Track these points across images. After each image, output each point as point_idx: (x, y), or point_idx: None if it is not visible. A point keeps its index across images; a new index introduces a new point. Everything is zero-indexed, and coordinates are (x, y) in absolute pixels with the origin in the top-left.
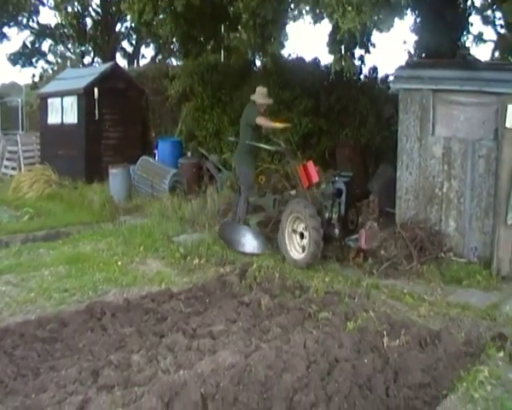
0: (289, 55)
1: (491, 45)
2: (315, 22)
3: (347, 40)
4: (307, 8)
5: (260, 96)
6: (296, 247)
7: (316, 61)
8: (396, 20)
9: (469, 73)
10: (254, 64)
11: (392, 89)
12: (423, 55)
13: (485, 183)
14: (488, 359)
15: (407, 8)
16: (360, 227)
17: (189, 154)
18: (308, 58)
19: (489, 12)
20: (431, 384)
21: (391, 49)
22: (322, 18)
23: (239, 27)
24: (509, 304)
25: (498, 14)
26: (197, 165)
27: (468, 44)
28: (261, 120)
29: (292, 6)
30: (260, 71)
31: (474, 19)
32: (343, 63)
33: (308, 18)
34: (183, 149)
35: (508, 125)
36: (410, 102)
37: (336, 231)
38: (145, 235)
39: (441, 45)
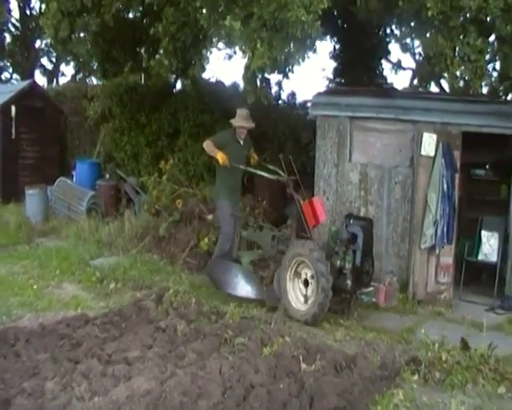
0: (209, 78)
1: (409, 73)
2: (229, 57)
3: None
4: (221, 41)
5: (239, 118)
6: (298, 296)
7: (235, 85)
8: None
9: (386, 101)
10: (174, 86)
11: (311, 115)
12: (342, 81)
13: (401, 208)
14: (403, 382)
15: (321, 40)
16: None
17: (107, 176)
18: (228, 82)
19: (408, 40)
20: (346, 409)
21: (310, 74)
22: (235, 52)
23: (160, 50)
24: (423, 327)
25: (417, 43)
26: (115, 187)
27: (386, 72)
28: (204, 144)
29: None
30: (180, 93)
31: (394, 47)
32: (261, 97)
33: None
34: (101, 171)
35: (423, 152)
36: (328, 128)
37: (348, 282)
38: (61, 258)
39: (359, 73)
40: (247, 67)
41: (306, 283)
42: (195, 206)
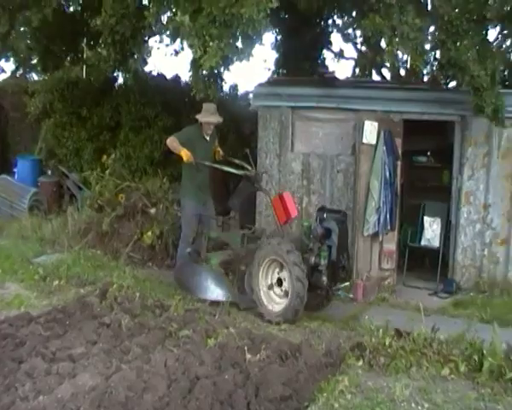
0: (150, 71)
1: (352, 62)
2: (176, 53)
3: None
4: (167, 33)
5: (205, 113)
6: (273, 297)
7: (176, 78)
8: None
9: (327, 91)
10: (116, 80)
11: (253, 106)
12: (283, 72)
13: (344, 197)
14: (348, 368)
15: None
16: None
17: (49, 172)
18: (169, 75)
19: (350, 30)
20: (292, 397)
21: (253, 65)
22: (183, 49)
23: (100, 43)
24: (368, 314)
25: (358, 33)
26: (57, 183)
27: (329, 62)
28: (168, 141)
29: (151, 27)
30: (122, 87)
31: (336, 37)
32: (208, 92)
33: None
34: (43, 168)
35: (365, 140)
36: (270, 118)
37: (324, 279)
38: (3, 257)
39: (301, 63)
40: (196, 64)
41: (280, 282)
42: (138, 200)
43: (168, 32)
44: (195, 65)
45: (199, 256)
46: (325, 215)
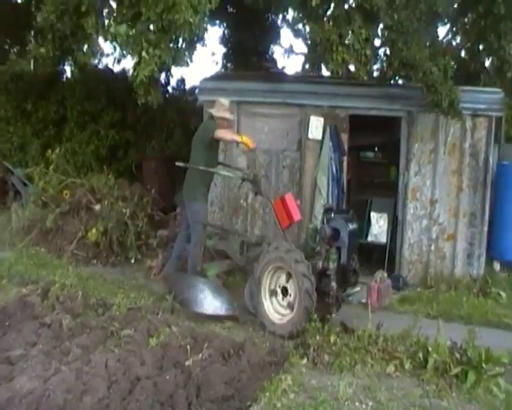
0: (96, 65)
1: (302, 58)
2: (118, 61)
3: None
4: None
5: (219, 108)
6: (277, 307)
7: (123, 72)
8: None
9: (273, 86)
10: (63, 74)
11: (199, 101)
12: (231, 66)
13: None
14: (292, 367)
15: (212, 25)
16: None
17: None
18: (116, 69)
19: (300, 25)
20: (234, 397)
21: (201, 59)
22: (124, 56)
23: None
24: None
25: (308, 29)
26: (1, 179)
27: (278, 57)
28: (221, 133)
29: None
30: (67, 81)
31: (286, 32)
32: (149, 98)
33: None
34: None
35: (310, 136)
36: None
37: (333, 284)
38: None
39: (249, 57)
40: (134, 74)
41: (284, 291)
42: (83, 196)
43: (108, 42)
44: (135, 75)
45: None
46: (332, 215)
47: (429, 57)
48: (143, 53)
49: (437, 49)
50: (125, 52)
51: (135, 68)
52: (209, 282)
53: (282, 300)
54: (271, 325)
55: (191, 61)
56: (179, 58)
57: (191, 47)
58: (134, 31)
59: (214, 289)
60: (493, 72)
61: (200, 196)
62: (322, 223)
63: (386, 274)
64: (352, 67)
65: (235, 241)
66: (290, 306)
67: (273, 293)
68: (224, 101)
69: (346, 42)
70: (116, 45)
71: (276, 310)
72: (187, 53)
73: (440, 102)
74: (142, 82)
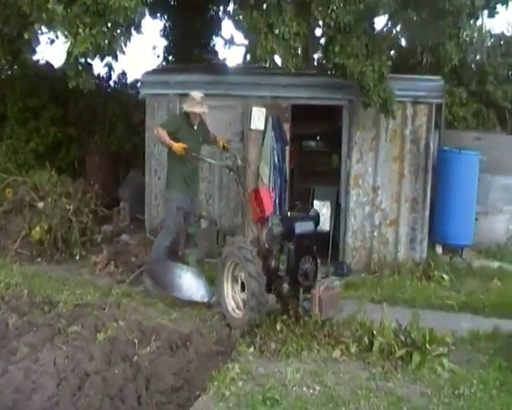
0: (38, 60)
1: (243, 49)
2: (52, 42)
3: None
4: (43, 27)
5: (190, 103)
6: (238, 301)
7: (64, 68)
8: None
9: (215, 77)
10: (3, 70)
11: (141, 94)
12: (173, 59)
13: (233, 183)
14: (239, 355)
15: (153, 18)
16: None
17: None
18: (57, 64)
19: (241, 17)
20: (183, 387)
21: (143, 53)
22: (57, 37)
23: None
24: None
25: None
26: None
27: (220, 48)
28: (158, 133)
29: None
30: (7, 77)
31: (227, 23)
32: (80, 80)
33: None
34: None
35: (253, 126)
36: (157, 107)
37: (284, 285)
38: None
39: (191, 50)
40: (68, 53)
41: (243, 287)
42: (26, 194)
43: (42, 22)
44: (69, 54)
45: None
46: (289, 213)
47: (366, 56)
48: (80, 30)
49: (374, 47)
50: (59, 33)
51: (69, 48)
52: (188, 268)
53: (241, 292)
54: (231, 320)
55: (126, 46)
56: (114, 42)
57: (127, 33)
58: (70, 12)
59: (193, 275)
60: (431, 66)
61: (175, 187)
62: (279, 222)
63: (337, 282)
64: (277, 58)
65: (213, 230)
66: (244, 302)
67: (234, 280)
68: (196, 94)
69: (276, 32)
70: (50, 26)
71: (234, 299)
72: (122, 38)
73: (372, 104)
74: (76, 60)
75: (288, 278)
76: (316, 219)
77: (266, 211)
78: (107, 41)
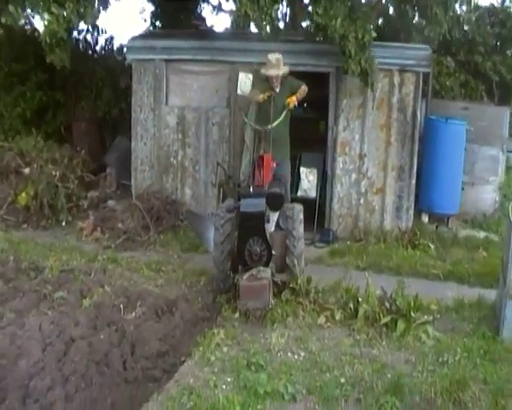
0: (24, 24)
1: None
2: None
3: None
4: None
5: (266, 66)
6: None
7: None
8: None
9: (202, 43)
10: None
11: (128, 60)
12: (160, 24)
13: (219, 149)
14: (224, 321)
15: None
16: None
17: None
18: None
19: None
20: (169, 352)
21: (131, 17)
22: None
23: None
24: None
25: None
26: None
27: (207, 14)
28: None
29: None
30: None
31: None
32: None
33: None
34: None
35: (239, 92)
36: (144, 72)
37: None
38: None
39: (178, 15)
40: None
41: None
42: (12, 160)
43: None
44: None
45: None
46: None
47: (349, 21)
48: (53, 9)
49: (356, 14)
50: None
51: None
52: None
53: None
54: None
55: (104, 10)
56: (87, 14)
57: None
58: None
59: None
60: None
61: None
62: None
63: (268, 270)
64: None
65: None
66: None
67: None
68: (271, 56)
69: None
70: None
71: None
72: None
73: (350, 72)
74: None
75: (236, 256)
76: (271, 199)
77: (265, 180)
78: (82, 9)
